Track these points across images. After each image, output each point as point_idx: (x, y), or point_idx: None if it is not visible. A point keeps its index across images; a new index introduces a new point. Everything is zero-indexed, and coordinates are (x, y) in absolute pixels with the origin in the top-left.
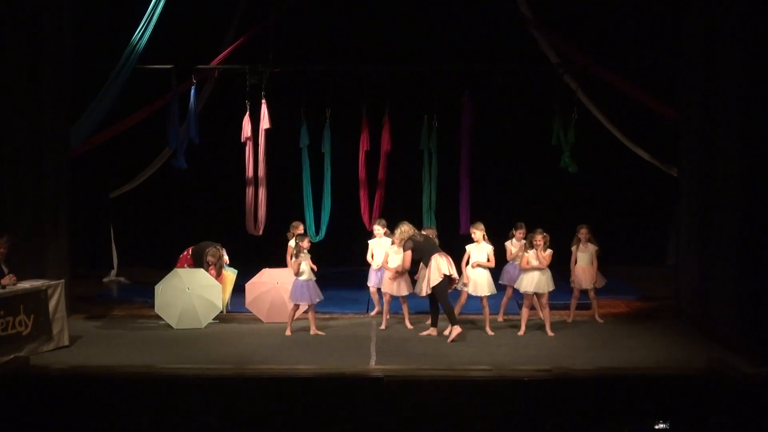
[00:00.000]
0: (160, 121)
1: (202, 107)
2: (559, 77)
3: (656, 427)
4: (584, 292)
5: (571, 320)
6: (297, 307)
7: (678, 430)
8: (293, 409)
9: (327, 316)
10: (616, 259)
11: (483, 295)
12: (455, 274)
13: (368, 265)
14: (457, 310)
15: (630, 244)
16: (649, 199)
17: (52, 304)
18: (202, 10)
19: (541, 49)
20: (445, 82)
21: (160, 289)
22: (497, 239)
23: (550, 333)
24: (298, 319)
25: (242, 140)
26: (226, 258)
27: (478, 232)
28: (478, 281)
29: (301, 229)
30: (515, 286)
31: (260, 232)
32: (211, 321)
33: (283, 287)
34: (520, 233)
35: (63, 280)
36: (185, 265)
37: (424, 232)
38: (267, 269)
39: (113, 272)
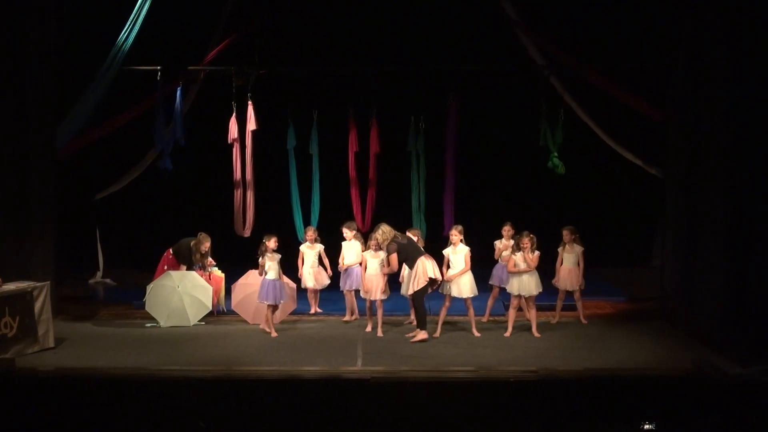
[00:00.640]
0: (146, 123)
1: (189, 108)
2: (546, 79)
3: (642, 428)
4: (569, 294)
5: (556, 321)
6: (273, 307)
7: (664, 431)
8: (280, 411)
9: (314, 317)
10: (601, 261)
11: (466, 296)
12: (439, 277)
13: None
14: (443, 314)
15: (616, 245)
16: (634, 200)
17: (37, 305)
18: (188, 11)
19: (528, 51)
20: (432, 83)
21: (151, 288)
22: (485, 240)
23: (536, 334)
24: (286, 320)
25: (229, 142)
26: (210, 260)
27: (456, 235)
28: (461, 283)
29: (313, 233)
30: (507, 289)
31: (248, 234)
32: (199, 322)
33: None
34: (507, 231)
35: (49, 282)
36: (165, 267)
37: (408, 234)
38: (253, 271)
39: (99, 274)
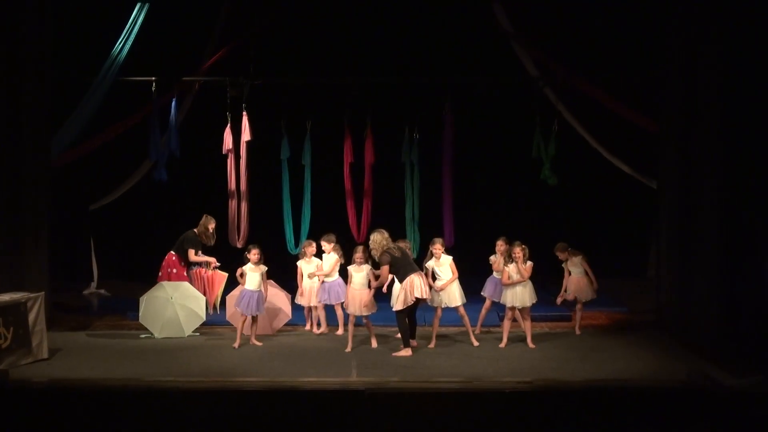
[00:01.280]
0: (141, 133)
1: (183, 119)
2: (540, 90)
3: None
4: (571, 303)
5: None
6: (251, 318)
7: None
8: (274, 422)
9: (308, 328)
10: (596, 271)
11: (457, 305)
12: (428, 296)
13: None
14: (436, 325)
15: (610, 256)
16: (629, 212)
17: (31, 316)
18: (183, 22)
19: (522, 62)
20: (426, 94)
21: (144, 299)
22: (478, 250)
23: (531, 345)
24: (281, 331)
25: (223, 152)
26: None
27: (438, 248)
28: (450, 293)
29: (314, 248)
30: (500, 302)
31: (242, 245)
32: (193, 333)
33: (267, 299)
34: (500, 246)
35: (43, 293)
36: (171, 269)
37: (400, 245)
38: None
39: (93, 285)
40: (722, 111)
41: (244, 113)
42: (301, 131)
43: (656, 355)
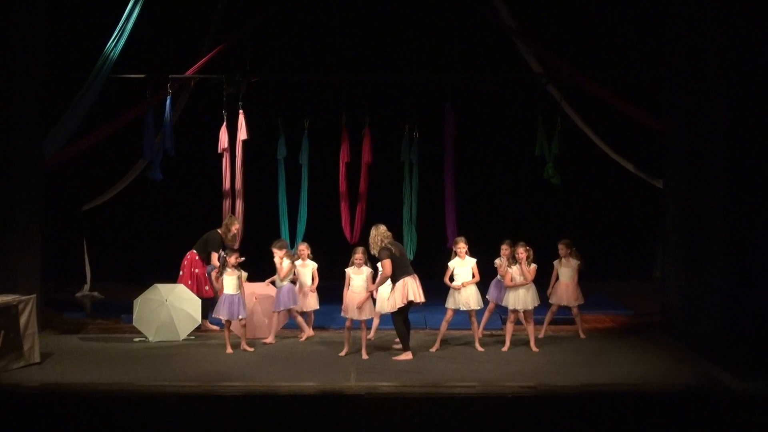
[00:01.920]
0: (135, 132)
1: (178, 118)
2: (543, 87)
3: None
4: (561, 308)
5: (542, 335)
6: (229, 323)
7: None
8: (271, 428)
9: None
10: (601, 273)
11: (472, 309)
12: (421, 300)
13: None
14: (443, 328)
15: (615, 257)
16: (634, 212)
17: (22, 319)
18: (178, 18)
19: (525, 59)
20: (427, 91)
21: (138, 302)
22: (480, 252)
23: (534, 349)
24: (277, 334)
25: (219, 151)
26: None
27: (461, 248)
28: (469, 295)
29: (308, 250)
30: (503, 304)
31: (237, 245)
32: (188, 336)
33: (260, 302)
34: (505, 249)
35: (34, 295)
36: (194, 268)
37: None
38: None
39: (86, 287)
40: (729, 108)
41: (241, 111)
42: (299, 130)
43: (662, 358)
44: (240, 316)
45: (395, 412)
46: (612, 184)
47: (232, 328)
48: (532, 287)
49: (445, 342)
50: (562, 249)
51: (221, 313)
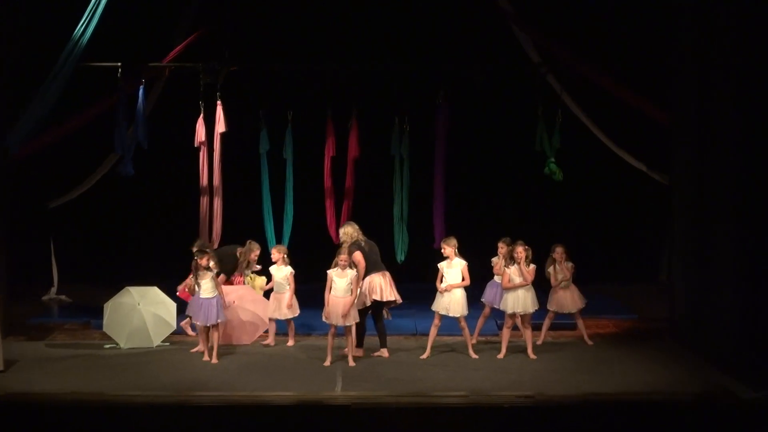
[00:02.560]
0: (106, 125)
1: (152, 109)
2: (543, 77)
3: None
4: (559, 315)
5: (541, 342)
6: (207, 327)
7: None
8: None
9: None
10: (604, 275)
11: (455, 315)
12: (390, 299)
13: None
14: (433, 333)
15: (620, 258)
16: (640, 210)
17: None
18: (152, 1)
19: (522, 47)
20: (418, 81)
21: (109, 306)
22: (475, 253)
23: (532, 356)
24: (258, 340)
25: (195, 145)
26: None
27: (448, 249)
28: (452, 301)
29: (282, 253)
30: (500, 308)
31: (216, 246)
32: (162, 343)
33: (240, 306)
34: (503, 247)
35: None
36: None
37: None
38: (227, 288)
39: (53, 290)
40: (740, 101)
41: (219, 102)
42: (282, 122)
43: (669, 366)
44: (219, 320)
45: (383, 424)
46: (616, 180)
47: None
48: (531, 289)
49: (436, 349)
50: (559, 253)
51: (197, 317)
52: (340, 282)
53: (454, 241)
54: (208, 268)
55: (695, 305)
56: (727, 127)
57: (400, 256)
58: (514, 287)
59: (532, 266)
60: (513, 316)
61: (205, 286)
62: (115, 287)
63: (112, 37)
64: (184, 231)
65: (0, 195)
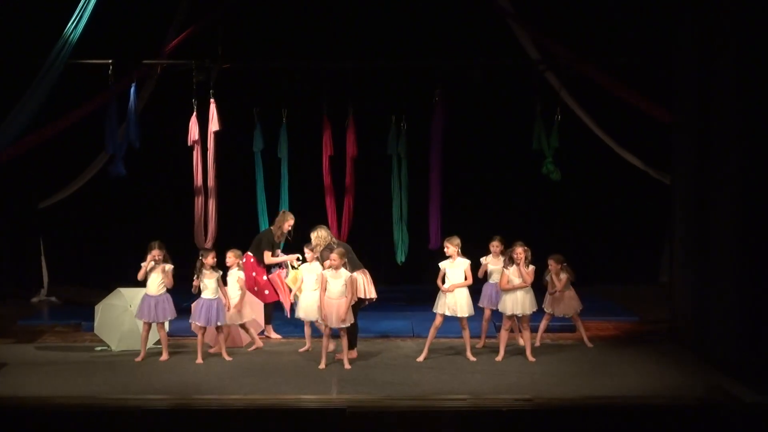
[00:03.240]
0: (97, 123)
1: (144, 107)
2: (541, 75)
3: None
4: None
5: (538, 344)
6: (203, 329)
7: None
8: None
9: (283, 339)
10: (604, 277)
11: (462, 316)
12: (371, 296)
13: None
14: (431, 335)
15: (619, 259)
16: (640, 210)
17: None
18: None
19: (521, 44)
20: (415, 79)
21: (99, 308)
22: (472, 254)
23: (531, 358)
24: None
25: (189, 144)
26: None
27: (451, 248)
28: (457, 301)
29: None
30: (499, 309)
31: (210, 246)
32: (154, 345)
33: (233, 309)
34: (495, 246)
35: None
36: (251, 272)
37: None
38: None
39: (43, 291)
40: (743, 98)
41: (212, 100)
42: (276, 120)
43: (670, 369)
44: (219, 323)
45: (380, 427)
46: (616, 180)
47: (206, 335)
48: (530, 290)
49: (433, 351)
50: (553, 265)
51: (198, 318)
52: (334, 283)
53: (457, 240)
54: (213, 268)
55: (697, 307)
56: (728, 126)
57: (401, 257)
58: (513, 288)
59: (532, 267)
60: (512, 317)
61: (210, 286)
62: (106, 289)
63: (104, 35)
64: (178, 232)
65: None
